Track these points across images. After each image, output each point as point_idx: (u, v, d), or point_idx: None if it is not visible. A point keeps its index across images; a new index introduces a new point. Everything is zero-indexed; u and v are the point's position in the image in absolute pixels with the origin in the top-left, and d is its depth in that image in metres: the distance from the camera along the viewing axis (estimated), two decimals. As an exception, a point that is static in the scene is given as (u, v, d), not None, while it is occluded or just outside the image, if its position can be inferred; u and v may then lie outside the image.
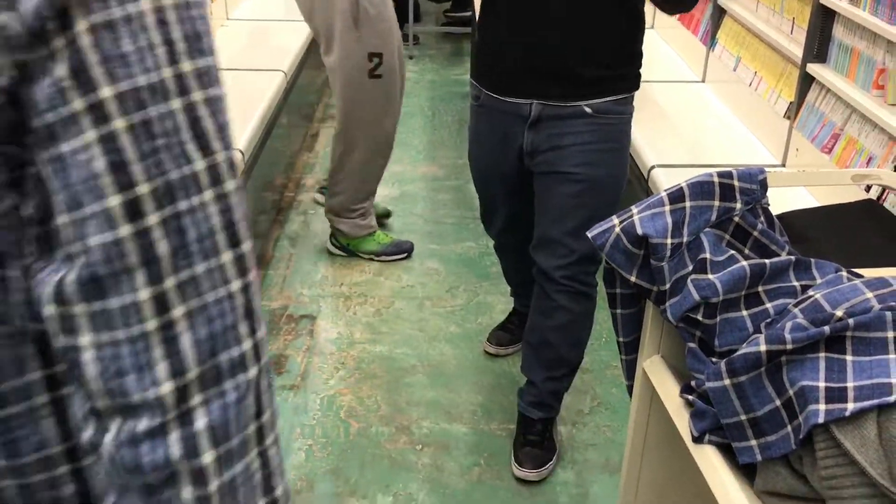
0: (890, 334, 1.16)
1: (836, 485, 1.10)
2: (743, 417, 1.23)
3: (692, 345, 1.35)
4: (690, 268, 1.36)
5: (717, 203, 1.39)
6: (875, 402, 1.09)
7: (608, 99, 2.00)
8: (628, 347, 1.57)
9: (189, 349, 0.56)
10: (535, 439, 2.26)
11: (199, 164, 0.55)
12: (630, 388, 1.61)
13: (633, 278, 1.42)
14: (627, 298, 1.51)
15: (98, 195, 0.53)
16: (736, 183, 1.40)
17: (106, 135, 0.53)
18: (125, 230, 0.54)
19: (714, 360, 1.31)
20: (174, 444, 0.56)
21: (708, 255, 1.35)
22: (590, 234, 1.44)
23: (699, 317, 1.33)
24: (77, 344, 0.55)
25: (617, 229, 1.40)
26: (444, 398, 2.50)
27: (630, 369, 1.59)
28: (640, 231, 1.37)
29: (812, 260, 1.39)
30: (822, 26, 2.71)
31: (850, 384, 1.12)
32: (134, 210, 0.54)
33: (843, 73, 2.63)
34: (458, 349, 2.72)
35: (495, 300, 2.96)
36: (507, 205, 2.28)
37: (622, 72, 2.02)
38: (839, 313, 1.19)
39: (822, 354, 1.17)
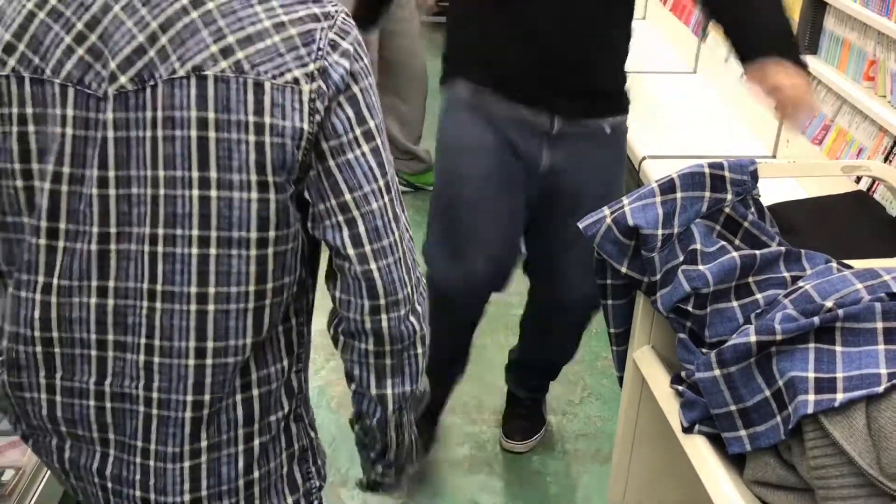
0: (879, 325, 1.17)
1: (824, 474, 1.10)
2: (732, 408, 1.23)
3: (682, 335, 1.36)
4: (681, 258, 1.36)
5: (707, 194, 1.39)
6: (864, 392, 1.09)
7: (622, 116, 1.84)
8: (619, 338, 1.57)
9: (412, 266, 1.00)
10: (523, 412, 2.30)
11: (391, 172, 0.99)
12: (621, 380, 1.61)
13: (623, 269, 1.42)
14: (618, 289, 1.51)
15: (374, 179, 0.95)
16: (727, 174, 1.40)
17: (373, 147, 0.95)
18: (387, 198, 0.96)
19: (704, 350, 1.32)
20: (415, 322, 1.00)
21: (699, 246, 1.35)
22: (581, 225, 1.44)
23: (690, 307, 1.33)
24: (370, 268, 0.96)
25: (608, 220, 1.40)
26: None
27: (621, 360, 1.59)
28: (631, 222, 1.37)
29: (802, 251, 1.40)
30: (813, 18, 2.71)
31: (839, 375, 1.13)
32: (388, 187, 0.96)
33: (834, 64, 2.63)
34: (449, 340, 2.72)
35: (486, 291, 2.96)
36: (497, 234, 1.86)
37: (624, 83, 1.86)
38: (829, 304, 1.19)
39: (811, 345, 1.17)
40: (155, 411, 0.98)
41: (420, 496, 2.13)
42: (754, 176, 1.42)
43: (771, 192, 2.05)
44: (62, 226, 0.95)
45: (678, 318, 1.36)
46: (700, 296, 1.32)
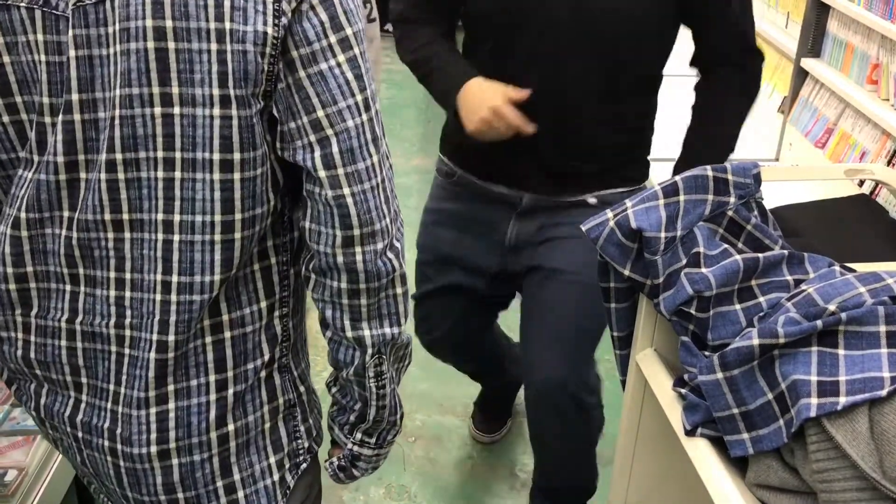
0: (882, 328, 1.17)
1: (827, 478, 1.10)
2: (735, 411, 1.23)
3: (685, 338, 1.36)
4: (684, 261, 1.36)
5: (711, 197, 1.39)
6: (867, 395, 1.09)
7: (616, 191, 1.75)
8: (622, 342, 1.57)
9: (391, 195, 0.91)
10: (489, 408, 2.35)
11: (373, 87, 0.88)
12: (624, 383, 1.61)
13: (626, 272, 1.42)
14: (621, 293, 1.51)
15: (350, 94, 0.85)
16: (730, 177, 1.40)
17: (350, 57, 0.85)
18: (366, 116, 0.87)
19: (707, 353, 1.31)
20: (393, 258, 0.93)
21: (702, 249, 1.35)
22: (584, 228, 1.44)
23: (692, 310, 1.33)
24: (342, 193, 0.87)
25: (611, 223, 1.40)
26: (437, 391, 2.50)
27: (624, 364, 1.59)
28: (634, 224, 1.37)
29: (805, 254, 1.40)
30: (816, 21, 2.72)
31: (842, 378, 1.13)
32: (367, 104, 0.87)
33: (837, 67, 2.63)
34: (451, 342, 2.72)
35: (489, 293, 2.96)
36: (467, 304, 1.90)
37: (630, 161, 1.78)
38: (832, 307, 1.19)
39: (814, 348, 1.17)
40: (126, 350, 0.90)
41: (421, 497, 2.13)
42: (757, 179, 1.42)
43: (774, 195, 2.04)
44: (35, 157, 0.88)
45: (681, 321, 1.36)
46: (703, 299, 1.32)
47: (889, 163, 2.32)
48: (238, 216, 0.87)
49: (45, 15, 0.84)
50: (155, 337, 0.88)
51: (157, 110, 0.82)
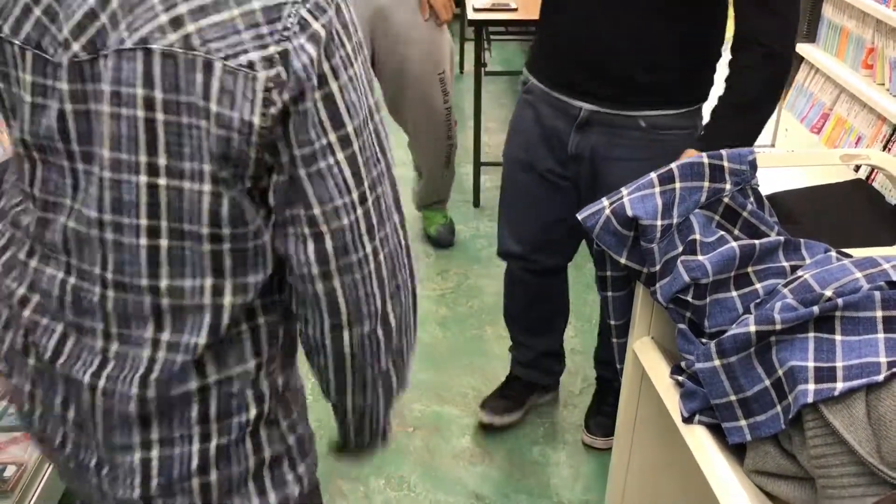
0: (878, 314, 1.17)
1: (825, 463, 1.10)
2: (732, 398, 1.23)
3: (682, 326, 1.36)
4: (680, 249, 1.36)
5: (706, 184, 1.39)
6: (864, 381, 1.09)
7: (667, 112, 1.77)
8: (619, 330, 1.57)
9: (390, 273, 0.90)
10: (506, 392, 2.36)
11: (382, 164, 0.87)
12: (621, 371, 1.61)
13: (623, 260, 1.42)
14: (618, 281, 1.51)
15: (346, 191, 0.83)
16: (725, 164, 1.40)
17: (349, 155, 0.83)
18: (361, 210, 0.85)
19: (704, 340, 1.32)
20: (382, 336, 0.92)
21: (698, 237, 1.35)
22: (580, 217, 1.44)
23: (689, 298, 1.33)
24: (333, 286, 0.86)
25: (607, 211, 1.40)
26: (436, 381, 2.51)
27: (621, 352, 1.59)
28: (630, 213, 1.37)
29: (801, 240, 1.40)
30: (812, 6, 2.71)
31: (838, 364, 1.13)
32: (363, 198, 0.85)
33: (832, 52, 2.63)
34: (448, 332, 2.72)
35: (485, 283, 2.96)
36: (536, 212, 1.99)
37: (685, 79, 1.78)
38: (828, 293, 1.19)
39: (811, 334, 1.17)
40: (101, 400, 0.89)
41: (420, 487, 2.13)
42: (753, 165, 1.42)
43: (770, 181, 2.04)
44: (37, 193, 0.89)
45: (678, 309, 1.36)
46: (699, 286, 1.32)
47: (885, 147, 2.32)
48: (227, 283, 0.86)
49: (35, 57, 0.83)
50: (135, 391, 0.88)
51: (143, 179, 0.80)
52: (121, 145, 0.80)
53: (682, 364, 1.36)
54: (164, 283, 0.85)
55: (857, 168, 2.33)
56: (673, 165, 1.40)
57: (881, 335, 1.15)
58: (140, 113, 0.78)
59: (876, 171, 2.25)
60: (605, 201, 1.42)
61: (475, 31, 3.32)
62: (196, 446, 0.91)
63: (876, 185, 2.25)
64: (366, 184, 0.85)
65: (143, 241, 0.83)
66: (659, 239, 1.36)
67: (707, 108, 1.78)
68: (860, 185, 2.24)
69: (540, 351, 2.31)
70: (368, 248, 0.87)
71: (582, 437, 2.29)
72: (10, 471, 1.59)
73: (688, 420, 1.30)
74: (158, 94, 0.77)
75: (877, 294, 1.17)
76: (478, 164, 3.49)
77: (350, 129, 0.82)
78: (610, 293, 1.53)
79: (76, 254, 0.88)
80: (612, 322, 1.57)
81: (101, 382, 0.89)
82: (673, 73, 1.74)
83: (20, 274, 0.93)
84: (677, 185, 1.38)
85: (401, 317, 0.93)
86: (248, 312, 0.91)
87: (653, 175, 1.40)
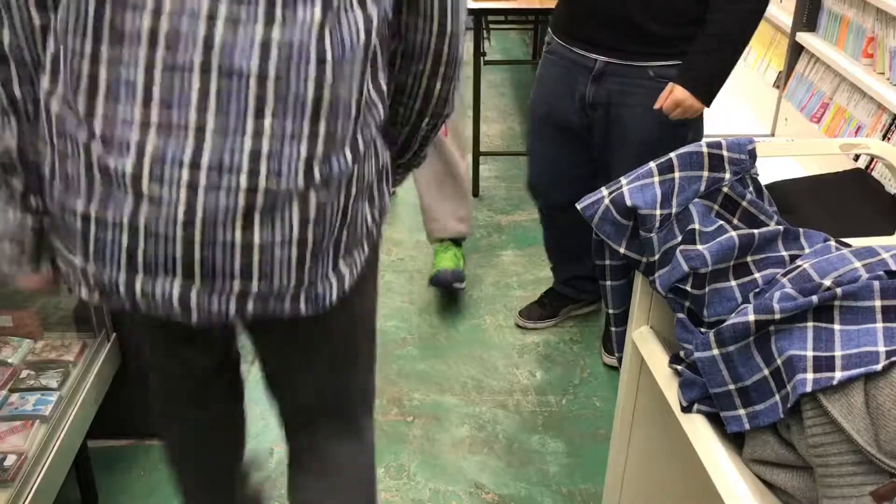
0: (877, 303, 1.17)
1: (823, 452, 1.11)
2: (731, 387, 1.23)
3: (681, 315, 1.36)
4: (679, 238, 1.36)
5: (706, 174, 1.39)
6: (862, 370, 1.09)
7: (673, 63, 1.99)
8: (618, 319, 1.57)
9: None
10: (543, 300, 2.68)
11: None
12: (620, 360, 1.61)
13: (622, 249, 1.42)
14: (617, 270, 1.51)
15: None
16: (725, 153, 1.40)
17: None
18: None
19: (703, 330, 1.32)
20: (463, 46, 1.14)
21: (697, 226, 1.35)
22: (579, 206, 1.44)
23: (688, 287, 1.33)
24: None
25: (606, 201, 1.40)
26: (435, 370, 2.51)
27: (620, 341, 1.60)
28: (629, 202, 1.37)
29: (801, 230, 1.40)
30: (811, -5, 2.70)
31: (837, 353, 1.13)
32: None
33: (832, 42, 2.62)
34: (448, 322, 2.73)
35: (486, 273, 2.96)
36: (563, 158, 2.26)
37: (688, 32, 1.97)
38: (827, 283, 1.19)
39: (810, 324, 1.18)
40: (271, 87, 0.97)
41: (420, 476, 2.14)
42: (752, 155, 1.42)
43: (769, 170, 2.04)
44: None
45: (676, 298, 1.36)
46: (698, 275, 1.32)
47: (884, 137, 2.31)
48: None
49: None
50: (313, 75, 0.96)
51: None
52: None
53: (681, 353, 1.36)
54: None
55: (857, 157, 2.32)
56: (672, 154, 1.40)
57: (880, 324, 1.16)
58: None
59: (875, 160, 2.25)
60: (604, 191, 1.42)
61: (474, 19, 3.31)
62: (348, 142, 1.02)
63: (875, 174, 2.25)
64: None
65: None
66: (658, 228, 1.36)
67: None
68: (859, 174, 2.23)
69: (571, 275, 2.61)
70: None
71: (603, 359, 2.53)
72: (10, 460, 1.59)
73: (686, 409, 1.31)
74: None
75: (876, 283, 1.17)
76: (477, 154, 3.48)
77: None
78: (609, 282, 1.53)
79: None
80: (611, 311, 1.57)
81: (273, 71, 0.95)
82: (678, 26, 1.95)
83: None
84: (676, 174, 1.38)
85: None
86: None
87: (652, 164, 1.40)
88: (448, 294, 2.84)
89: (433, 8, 1.07)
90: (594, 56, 2.03)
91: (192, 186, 0.95)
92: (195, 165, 0.95)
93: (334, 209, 1.04)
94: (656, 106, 1.97)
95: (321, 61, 0.95)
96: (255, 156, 0.95)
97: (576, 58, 2.07)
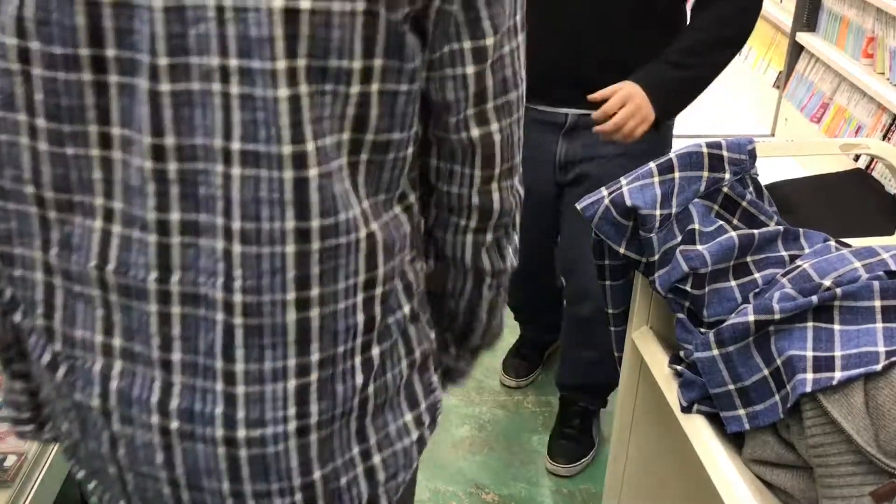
0: (877, 303, 1.17)
1: (823, 452, 1.11)
2: (731, 387, 1.23)
3: (681, 315, 1.36)
4: (679, 239, 1.36)
5: (705, 174, 1.39)
6: (862, 370, 1.09)
7: None
8: (617, 319, 1.57)
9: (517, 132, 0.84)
10: (522, 352, 2.49)
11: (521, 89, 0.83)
12: (619, 360, 1.61)
13: (622, 250, 1.42)
14: (616, 270, 1.51)
15: (513, 13, 0.77)
16: (725, 153, 1.40)
17: (496, 59, 0.76)
18: (521, 37, 0.80)
19: (703, 330, 1.32)
20: (520, 189, 0.86)
21: (697, 226, 1.35)
22: (579, 206, 1.44)
23: (688, 287, 1.33)
24: (490, 130, 0.78)
25: (606, 201, 1.40)
26: (435, 370, 2.51)
27: (619, 341, 1.60)
28: (629, 202, 1.37)
29: (800, 230, 1.40)
30: (811, -5, 2.70)
31: (837, 353, 1.13)
32: (523, 22, 0.80)
33: (832, 41, 2.62)
34: (448, 322, 2.72)
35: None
36: (531, 225, 2.06)
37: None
38: (827, 283, 1.19)
39: (809, 324, 1.18)
40: (239, 320, 0.73)
41: (420, 476, 2.14)
42: (752, 155, 1.42)
43: (769, 170, 2.04)
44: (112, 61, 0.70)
45: (676, 299, 1.36)
46: (698, 276, 1.32)
47: (884, 137, 2.31)
48: (369, 137, 0.73)
49: None
50: (292, 296, 0.73)
51: (277, 3, 0.65)
52: None
53: (681, 353, 1.36)
54: (310, 145, 0.70)
55: (857, 157, 2.32)
56: (672, 154, 1.40)
57: (879, 325, 1.16)
58: None
59: (875, 160, 2.25)
60: (603, 191, 1.42)
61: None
62: (358, 359, 0.79)
63: (875, 174, 2.25)
64: (519, 10, 0.79)
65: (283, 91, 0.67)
66: (658, 229, 1.36)
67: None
68: (860, 174, 2.24)
69: (543, 323, 2.46)
70: (523, 87, 0.80)
71: (546, 463, 2.20)
72: (10, 460, 1.59)
73: (686, 409, 1.31)
74: None
75: (875, 284, 1.17)
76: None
77: (490, 41, 0.74)
78: (608, 282, 1.53)
79: (174, 126, 0.72)
80: (610, 311, 1.57)
81: (239, 297, 0.75)
82: (629, 73, 1.81)
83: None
84: (676, 174, 1.38)
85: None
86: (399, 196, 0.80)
87: (652, 165, 1.40)
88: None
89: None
90: (563, 111, 1.89)
91: (164, 431, 0.78)
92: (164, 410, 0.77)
93: (343, 438, 0.82)
94: (595, 96, 1.75)
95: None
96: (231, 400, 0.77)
97: (540, 116, 1.90)
